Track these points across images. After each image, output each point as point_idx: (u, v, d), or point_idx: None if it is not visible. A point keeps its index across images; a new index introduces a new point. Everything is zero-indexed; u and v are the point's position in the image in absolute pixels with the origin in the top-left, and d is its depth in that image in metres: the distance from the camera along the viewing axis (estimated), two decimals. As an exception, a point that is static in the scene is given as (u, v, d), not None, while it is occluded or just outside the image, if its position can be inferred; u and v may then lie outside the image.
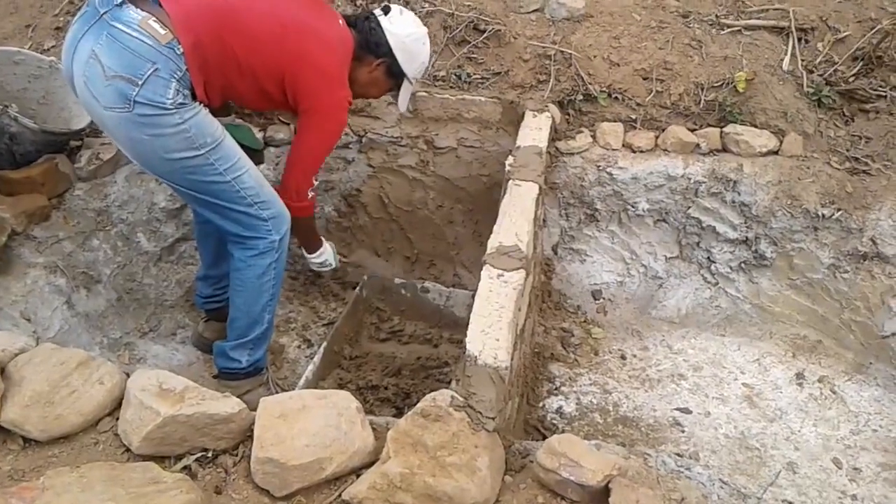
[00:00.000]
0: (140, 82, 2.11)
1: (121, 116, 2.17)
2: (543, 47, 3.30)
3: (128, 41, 2.11)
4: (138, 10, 2.14)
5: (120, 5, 2.15)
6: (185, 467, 1.78)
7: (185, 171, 2.30)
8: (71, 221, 2.82)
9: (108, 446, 1.83)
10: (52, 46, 3.38)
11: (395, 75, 2.62)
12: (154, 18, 2.14)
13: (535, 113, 3.11)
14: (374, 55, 2.55)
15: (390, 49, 2.54)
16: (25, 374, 1.88)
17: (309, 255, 2.93)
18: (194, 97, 2.24)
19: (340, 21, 2.53)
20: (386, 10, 2.58)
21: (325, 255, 2.95)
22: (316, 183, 2.60)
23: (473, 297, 2.09)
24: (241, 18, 2.27)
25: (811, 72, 3.26)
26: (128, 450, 1.81)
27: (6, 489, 1.63)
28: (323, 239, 2.96)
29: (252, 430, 1.80)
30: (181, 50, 2.15)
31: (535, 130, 2.99)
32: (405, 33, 2.56)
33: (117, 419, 1.87)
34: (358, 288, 3.26)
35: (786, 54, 3.30)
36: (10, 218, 2.60)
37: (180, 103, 2.18)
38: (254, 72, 2.33)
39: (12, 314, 2.45)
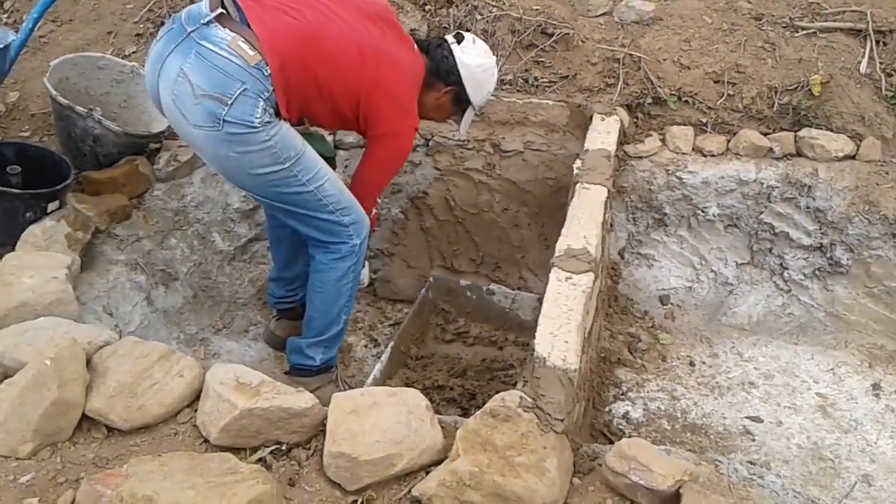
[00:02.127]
0: (230, 102, 2.16)
1: (209, 135, 2.22)
2: (612, 50, 3.29)
3: (217, 61, 2.15)
4: (227, 31, 2.18)
5: (207, 24, 2.19)
6: (260, 459, 1.82)
7: (270, 184, 2.35)
8: (150, 221, 2.92)
9: (188, 437, 1.89)
10: (133, 52, 3.51)
11: (462, 102, 2.64)
12: (243, 39, 2.17)
13: (604, 116, 3.09)
14: (443, 82, 2.57)
15: (460, 78, 2.56)
16: (110, 365, 1.96)
17: None
18: (277, 114, 2.28)
19: (415, 47, 2.57)
20: (459, 39, 2.59)
21: (364, 272, 2.91)
22: (379, 202, 2.63)
23: (539, 300, 2.10)
24: (324, 44, 2.30)
25: (890, 75, 3.17)
26: (206, 441, 1.87)
27: (91, 476, 1.70)
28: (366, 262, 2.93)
29: (324, 425, 1.84)
30: (269, 71, 2.18)
31: (603, 134, 2.97)
32: (476, 63, 2.58)
33: (196, 411, 1.93)
34: (424, 289, 3.29)
35: (863, 57, 3.21)
36: (94, 216, 2.71)
37: (266, 122, 2.22)
38: (332, 95, 2.37)
39: (96, 308, 2.54)
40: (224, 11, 2.22)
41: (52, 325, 2.07)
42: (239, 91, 2.15)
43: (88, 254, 2.67)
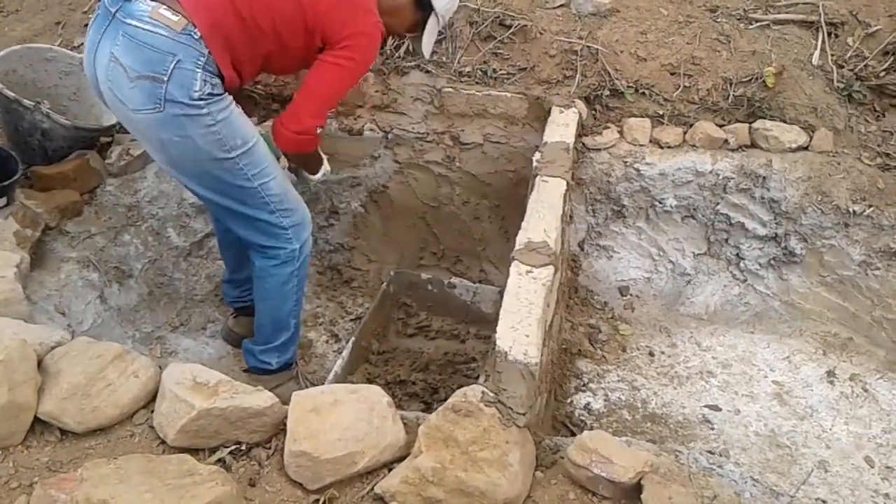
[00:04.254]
0: (165, 78, 2.08)
1: (151, 118, 2.14)
2: (570, 43, 3.29)
3: (143, 37, 2.07)
4: (148, 2, 2.09)
5: (129, 0, 2.11)
6: (219, 460, 1.80)
7: (214, 175, 2.28)
8: (102, 216, 2.86)
9: (144, 438, 1.85)
10: (82, 44, 3.40)
11: (423, 7, 2.47)
12: (164, 6, 2.08)
13: (562, 109, 3.10)
14: None
15: None
16: (62, 366, 1.91)
17: (311, 176, 2.80)
18: (223, 80, 2.20)
19: None
20: None
21: (324, 169, 2.81)
22: (327, 121, 2.34)
23: (500, 293, 2.09)
24: None
25: (841, 67, 3.22)
26: (163, 442, 1.84)
27: (45, 480, 1.65)
28: (322, 155, 2.77)
29: (285, 424, 1.82)
30: (199, 34, 2.09)
31: (561, 126, 2.98)
32: None
33: (152, 412, 1.89)
34: (385, 283, 3.27)
35: (815, 49, 3.26)
36: (44, 213, 2.64)
37: (209, 93, 2.14)
38: (276, 31, 2.24)
39: (47, 308, 2.48)
40: None
41: (1, 327, 2.01)
42: (172, 65, 2.07)
43: (38, 251, 2.60)
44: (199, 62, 2.11)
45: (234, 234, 2.59)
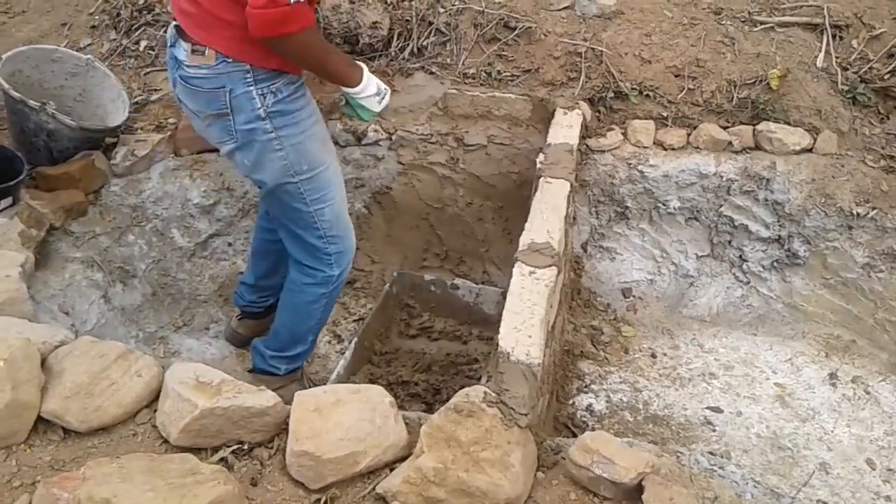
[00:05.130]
0: (228, 111, 2.14)
1: (230, 148, 2.24)
2: (574, 45, 3.29)
3: (193, 81, 2.15)
4: (182, 44, 2.15)
5: (174, 45, 2.17)
6: (221, 459, 1.80)
7: (274, 193, 2.34)
8: (107, 217, 2.87)
9: (147, 438, 1.86)
10: (88, 44, 3.44)
11: None
12: (193, 45, 2.13)
13: (566, 110, 3.10)
14: None
15: None
16: (66, 366, 1.91)
17: (352, 91, 2.30)
18: (285, 73, 2.16)
19: None
20: None
21: (374, 82, 2.34)
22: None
23: (503, 294, 2.10)
24: None
25: (846, 69, 3.22)
26: (165, 441, 1.84)
27: (48, 479, 1.66)
28: (358, 63, 2.34)
29: (287, 424, 1.82)
30: (231, 58, 2.11)
31: (565, 128, 2.98)
32: None
33: (155, 411, 1.90)
34: (388, 284, 3.28)
35: (820, 51, 3.26)
36: (49, 213, 2.65)
37: (274, 103, 2.16)
38: None
39: (51, 307, 2.49)
40: (177, 23, 2.18)
41: (5, 326, 2.02)
42: (228, 97, 2.13)
43: (43, 251, 2.61)
44: (248, 79, 2.12)
45: (277, 245, 2.63)
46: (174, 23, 2.19)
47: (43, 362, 1.91)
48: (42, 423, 1.86)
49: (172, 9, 2.21)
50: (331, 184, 2.38)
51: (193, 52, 2.12)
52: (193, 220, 3.17)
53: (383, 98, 2.38)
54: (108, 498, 1.54)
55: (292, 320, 2.61)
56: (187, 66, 2.13)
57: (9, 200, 2.57)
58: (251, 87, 2.13)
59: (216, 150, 2.83)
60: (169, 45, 2.22)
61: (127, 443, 1.85)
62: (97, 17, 3.55)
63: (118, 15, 3.50)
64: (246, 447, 1.84)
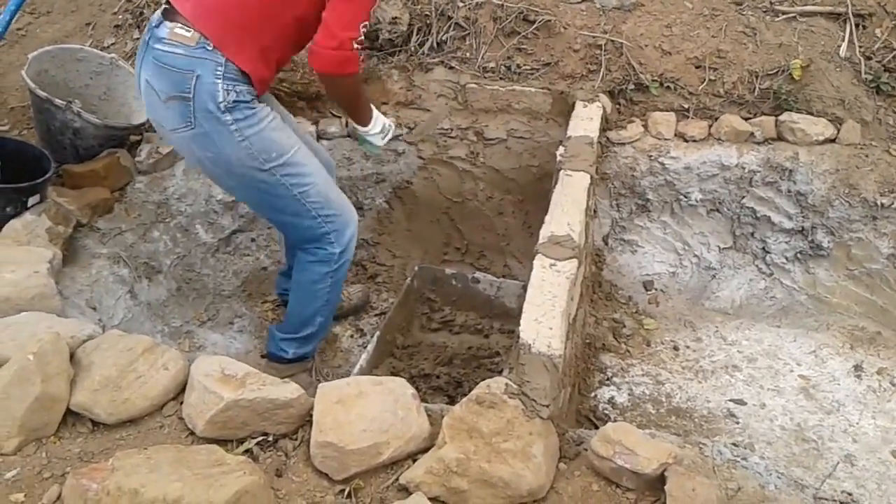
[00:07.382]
0: (191, 96, 2.15)
1: (185, 136, 2.23)
2: (594, 37, 3.29)
3: (165, 59, 2.15)
4: (167, 24, 2.17)
5: (158, 26, 2.18)
6: (247, 450, 1.83)
7: (250, 186, 2.35)
8: (132, 213, 2.90)
9: (173, 430, 1.89)
10: (112, 44, 3.48)
11: None
12: (179, 25, 2.15)
13: (586, 103, 3.10)
14: None
15: None
16: (94, 359, 1.95)
17: (362, 129, 2.62)
18: (251, 85, 2.23)
19: None
20: None
21: (381, 122, 2.64)
22: (363, 32, 2.20)
23: (524, 287, 2.10)
24: None
25: (869, 58, 3.18)
26: (192, 433, 1.87)
27: (77, 470, 1.69)
28: (371, 106, 2.62)
29: (311, 415, 1.84)
30: (212, 45, 2.14)
31: (585, 121, 2.98)
32: None
33: (181, 403, 1.93)
34: (409, 278, 3.29)
35: (843, 41, 3.22)
36: (76, 210, 2.69)
37: (234, 101, 2.18)
38: (286, 4, 2.18)
39: (79, 303, 2.53)
40: (168, 6, 2.21)
41: (35, 320, 2.06)
42: (194, 81, 2.14)
43: (70, 248, 2.65)
44: (218, 72, 2.15)
45: None
46: (164, 6, 2.22)
47: (72, 356, 1.95)
48: (71, 416, 1.90)
49: None
50: (305, 164, 2.38)
51: (178, 29, 2.14)
52: (217, 216, 3.21)
53: (386, 135, 2.69)
54: (136, 488, 1.57)
55: (300, 300, 2.64)
56: (165, 42, 2.14)
57: (37, 198, 2.61)
58: (218, 80, 2.15)
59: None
60: (151, 26, 2.20)
61: (154, 434, 1.88)
62: (120, 17, 3.59)
63: (141, 14, 3.54)
64: (271, 438, 1.87)
